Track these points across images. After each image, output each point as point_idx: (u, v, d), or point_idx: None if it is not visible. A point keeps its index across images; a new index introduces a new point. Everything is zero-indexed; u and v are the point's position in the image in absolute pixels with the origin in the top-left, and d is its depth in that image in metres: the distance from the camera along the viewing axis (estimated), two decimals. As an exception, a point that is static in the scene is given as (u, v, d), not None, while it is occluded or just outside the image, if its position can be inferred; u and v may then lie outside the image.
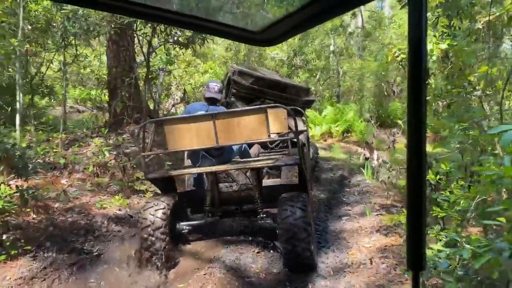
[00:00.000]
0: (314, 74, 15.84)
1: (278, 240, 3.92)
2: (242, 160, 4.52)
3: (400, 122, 13.96)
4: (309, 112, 13.11)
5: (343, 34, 14.83)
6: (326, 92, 16.16)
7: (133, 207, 5.04)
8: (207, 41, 8.76)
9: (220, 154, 4.34)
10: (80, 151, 6.82)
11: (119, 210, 4.93)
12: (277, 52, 15.38)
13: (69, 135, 7.61)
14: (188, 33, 7.85)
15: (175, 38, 8.63)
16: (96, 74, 8.11)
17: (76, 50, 7.43)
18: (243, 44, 14.82)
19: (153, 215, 3.92)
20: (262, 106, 4.00)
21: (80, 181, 5.80)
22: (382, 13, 15.50)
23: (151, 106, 8.51)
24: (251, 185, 4.40)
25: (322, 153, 10.72)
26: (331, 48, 16.33)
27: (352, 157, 10.03)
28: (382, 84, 13.66)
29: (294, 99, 6.72)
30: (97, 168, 5.86)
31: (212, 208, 4.43)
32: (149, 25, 6.46)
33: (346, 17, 15.53)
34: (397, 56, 3.99)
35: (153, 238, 3.88)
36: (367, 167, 7.77)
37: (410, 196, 0.62)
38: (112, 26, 6.87)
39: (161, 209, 3.97)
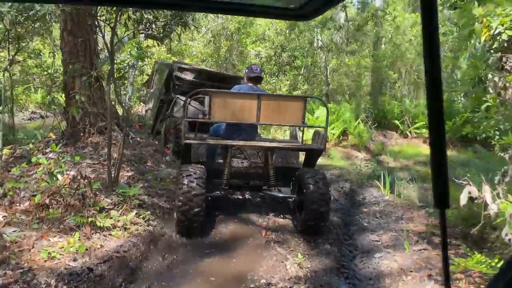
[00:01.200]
0: (301, 72, 14.72)
1: (300, 208, 4.54)
2: (270, 140, 5.38)
3: (397, 122, 13.00)
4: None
5: (333, 27, 13.72)
6: (314, 91, 15.04)
7: (95, 254, 3.68)
8: (185, 32, 7.43)
9: (251, 132, 4.88)
10: (28, 172, 5.39)
11: (74, 260, 3.57)
12: (259, 50, 14.17)
13: (17, 150, 6.13)
14: (163, 22, 6.52)
15: (147, 30, 7.29)
16: (48, 73, 6.64)
17: (18, 44, 5.97)
18: (224, 39, 13.58)
19: (193, 182, 4.10)
20: (303, 96, 5.00)
21: (24, 215, 4.38)
22: (373, 6, 14.49)
23: (120, 112, 7.12)
24: (261, 164, 5.02)
25: (319, 161, 9.55)
26: (318, 43, 15.25)
27: (357, 165, 8.90)
28: (380, 81, 12.62)
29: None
30: (47, 196, 4.46)
31: (227, 180, 4.72)
32: (114, 9, 5.10)
33: (336, 10, 14.48)
34: (497, 34, 2.76)
35: (193, 204, 4.03)
36: (384, 178, 6.61)
37: (433, 136, 0.61)
38: (67, 10, 5.47)
39: (199, 177, 4.17)
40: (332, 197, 4.81)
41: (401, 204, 5.72)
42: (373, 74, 12.74)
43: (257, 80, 5.04)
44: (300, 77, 14.43)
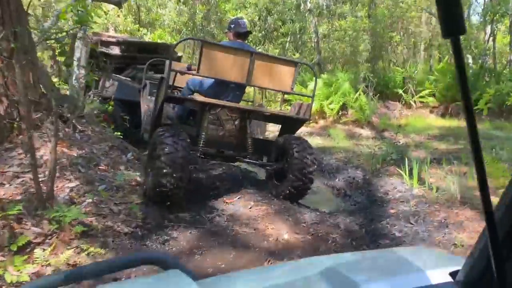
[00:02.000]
0: (289, 39, 13.17)
1: (288, 173, 4.28)
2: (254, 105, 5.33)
3: (401, 91, 11.67)
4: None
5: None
6: (305, 60, 13.53)
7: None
8: None
9: (239, 94, 4.49)
10: None
11: None
12: (241, 16, 12.49)
13: None
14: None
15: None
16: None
17: None
18: (199, 4, 11.90)
19: (177, 142, 3.71)
20: (295, 60, 4.90)
21: None
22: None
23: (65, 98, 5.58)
24: (236, 133, 4.54)
25: (318, 142, 8.23)
26: (307, 5, 13.63)
27: (364, 145, 7.58)
28: (380, 45, 11.18)
29: (165, 58, 6.24)
30: None
31: (203, 148, 4.29)
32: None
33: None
34: None
35: (178, 166, 3.65)
36: (405, 163, 5.29)
37: None
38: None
39: (183, 138, 3.81)
40: (344, 191, 4.65)
41: (437, 201, 4.44)
42: (371, 37, 11.29)
43: (246, 35, 4.51)
44: (288, 44, 12.89)
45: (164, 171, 3.62)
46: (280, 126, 5.02)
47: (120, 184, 4.11)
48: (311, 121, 9.78)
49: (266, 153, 4.73)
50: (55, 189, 3.83)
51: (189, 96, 4.38)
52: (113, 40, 6.72)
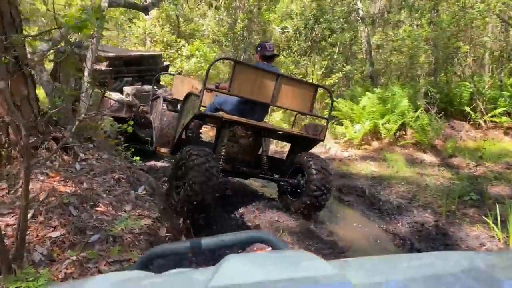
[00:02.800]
0: (338, 50, 12.05)
1: (304, 193, 4.38)
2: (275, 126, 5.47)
3: (468, 109, 10.18)
4: (340, 103, 9.42)
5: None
6: (356, 74, 12.35)
7: None
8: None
9: (262, 113, 4.73)
10: None
11: None
12: (285, 26, 11.59)
13: None
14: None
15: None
16: None
17: None
18: (241, 14, 11.09)
19: (207, 155, 3.93)
20: (316, 83, 5.51)
21: None
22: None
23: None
24: (252, 150, 4.79)
25: (373, 169, 7.03)
26: (359, 13, 12.49)
27: (430, 175, 6.32)
28: (445, 56, 9.79)
29: (153, 69, 6.86)
30: None
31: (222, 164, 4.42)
32: None
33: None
34: None
35: (210, 175, 3.83)
36: (493, 211, 4.01)
37: None
38: None
39: (209, 153, 4.01)
40: (409, 241, 4.25)
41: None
42: (433, 48, 9.94)
43: (272, 58, 4.75)
44: (337, 55, 11.77)
45: (199, 179, 3.79)
46: (290, 145, 5.14)
47: (118, 233, 3.21)
48: (363, 143, 8.59)
49: (278, 171, 4.88)
50: (33, 240, 2.98)
51: (216, 113, 4.44)
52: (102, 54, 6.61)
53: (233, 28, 10.64)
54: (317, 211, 4.56)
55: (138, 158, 5.17)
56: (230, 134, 4.50)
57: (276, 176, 4.83)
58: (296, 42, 10.14)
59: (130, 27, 11.46)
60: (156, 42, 10.82)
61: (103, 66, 6.55)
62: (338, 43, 11.99)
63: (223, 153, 4.39)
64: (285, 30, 10.45)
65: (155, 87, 6.26)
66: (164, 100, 5.55)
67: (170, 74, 7.10)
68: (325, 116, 5.27)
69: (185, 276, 0.70)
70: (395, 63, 12.23)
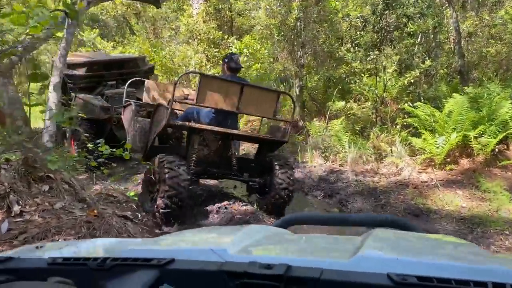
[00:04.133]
0: (417, 41, 9.97)
1: (271, 190, 4.94)
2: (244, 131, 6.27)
3: None
4: (419, 108, 7.49)
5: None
6: (440, 69, 10.15)
7: None
8: None
9: (233, 120, 5.09)
10: None
11: None
12: (347, 14, 9.76)
13: None
14: None
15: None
16: None
17: None
18: (296, 1, 9.50)
19: (178, 167, 4.28)
20: (277, 90, 6.40)
21: None
22: None
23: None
24: (222, 152, 5.16)
25: (459, 202, 5.16)
26: (446, -5, 10.23)
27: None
28: None
29: (135, 72, 7.05)
30: None
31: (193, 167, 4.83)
32: None
33: None
34: None
35: (181, 189, 4.21)
36: None
37: None
38: None
39: (183, 163, 4.40)
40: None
41: None
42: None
43: (238, 71, 5.18)
44: (417, 47, 9.71)
45: (171, 193, 4.17)
46: (258, 146, 5.57)
47: None
48: (448, 162, 6.62)
49: (248, 170, 5.31)
50: None
51: (187, 124, 4.74)
52: (79, 61, 7.06)
53: (285, 20, 9.13)
54: (283, 207, 5.04)
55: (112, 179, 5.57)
56: (200, 139, 4.92)
57: (246, 175, 5.29)
58: (360, 33, 8.34)
59: (172, 24, 10.54)
60: (200, 40, 9.66)
61: (81, 72, 6.83)
62: (420, 31, 9.92)
63: (193, 158, 4.81)
64: (348, 19, 8.68)
65: (134, 90, 6.44)
66: (137, 105, 5.65)
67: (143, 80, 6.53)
68: (288, 119, 5.67)
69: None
70: (493, 55, 9.85)
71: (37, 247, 1.13)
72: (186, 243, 1.21)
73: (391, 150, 7.47)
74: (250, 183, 5.24)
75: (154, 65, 8.46)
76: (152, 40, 11.31)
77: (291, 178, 4.95)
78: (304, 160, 7.67)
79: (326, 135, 8.07)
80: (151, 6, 12.25)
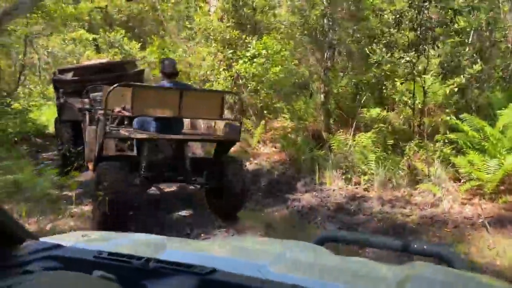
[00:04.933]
0: (470, 39, 8.51)
1: (225, 188, 5.00)
2: (190, 132, 5.74)
3: None
4: (466, 125, 6.17)
5: None
6: (494, 72, 8.61)
7: None
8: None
9: (178, 126, 5.19)
10: None
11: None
12: (380, 8, 8.45)
13: None
14: None
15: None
16: None
17: None
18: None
19: (117, 175, 4.36)
20: (222, 91, 6.27)
21: None
22: None
23: None
24: (176, 155, 5.22)
25: (496, 264, 3.85)
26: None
27: None
28: None
29: (124, 75, 7.08)
30: None
31: (145, 172, 4.95)
32: None
33: None
34: None
35: (118, 199, 4.20)
36: None
37: None
38: None
39: (122, 171, 4.46)
40: None
41: None
42: None
43: (174, 76, 5.23)
44: (467, 48, 8.27)
45: (109, 200, 4.14)
46: (215, 145, 5.57)
47: None
48: (502, 192, 5.27)
49: (204, 170, 5.25)
50: None
51: (128, 133, 4.80)
52: (68, 67, 7.80)
53: (309, 16, 8.00)
54: (236, 211, 5.16)
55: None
56: (150, 145, 4.99)
57: (201, 179, 5.23)
58: (394, 30, 7.04)
59: (189, 22, 9.69)
60: (214, 40, 8.73)
61: (68, 77, 7.13)
62: (470, 28, 8.47)
63: (144, 164, 4.88)
64: (380, 14, 7.39)
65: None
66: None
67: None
68: (238, 119, 5.93)
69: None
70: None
71: (83, 236, 1.25)
72: (227, 252, 1.26)
73: (428, 172, 6.18)
74: (205, 186, 5.33)
75: (144, 69, 8.39)
76: (170, 41, 10.54)
77: (243, 183, 5.04)
78: (323, 181, 6.52)
79: (350, 151, 6.88)
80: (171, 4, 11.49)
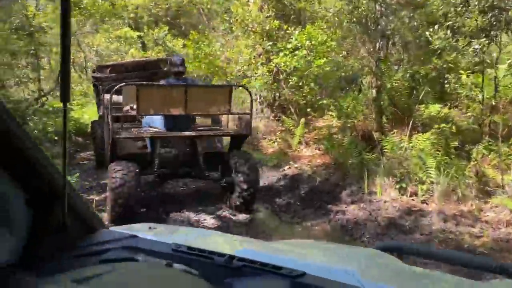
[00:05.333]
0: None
1: (236, 182, 5.01)
2: (201, 129, 5.54)
3: None
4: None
5: None
6: None
7: None
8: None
9: (185, 122, 5.16)
10: None
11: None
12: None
13: None
14: None
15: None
16: None
17: None
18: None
19: (125, 175, 4.42)
20: (230, 84, 6.17)
21: None
22: None
23: None
24: (189, 151, 5.43)
25: None
26: None
27: None
28: None
29: (157, 73, 7.21)
30: None
31: (158, 170, 5.17)
32: None
33: None
34: None
35: (127, 197, 4.36)
36: None
37: None
38: None
39: (130, 171, 4.49)
40: None
41: None
42: None
43: (179, 74, 5.21)
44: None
45: (118, 208, 4.37)
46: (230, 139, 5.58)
47: None
48: None
49: (219, 164, 5.40)
50: None
51: (136, 132, 5.00)
52: (107, 64, 7.85)
53: (358, 2, 7.09)
54: (249, 206, 5.15)
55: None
56: (161, 144, 5.22)
57: (216, 173, 5.44)
58: (459, 13, 5.98)
59: (227, 15, 9.08)
60: (252, 31, 8.06)
61: (106, 73, 7.24)
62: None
63: (156, 162, 5.13)
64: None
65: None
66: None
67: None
68: (248, 112, 5.65)
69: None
70: None
71: (150, 228, 1.26)
72: (314, 257, 1.22)
73: (502, 181, 5.16)
74: (219, 182, 5.36)
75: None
76: (208, 35, 9.99)
77: (253, 178, 5.00)
78: (372, 190, 5.65)
79: (406, 155, 5.95)
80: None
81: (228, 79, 8.37)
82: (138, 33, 17.19)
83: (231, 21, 8.90)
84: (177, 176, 5.49)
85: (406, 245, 1.32)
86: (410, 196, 5.32)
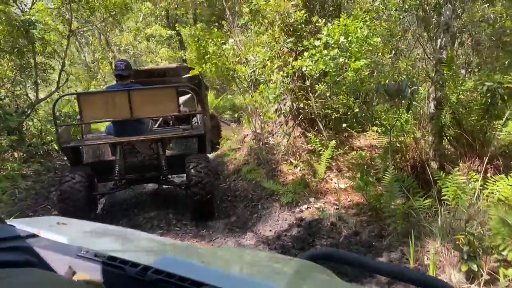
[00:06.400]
0: None
1: (188, 188, 4.94)
2: (153, 131, 5.51)
3: None
4: None
5: None
6: None
7: None
8: None
9: (139, 126, 5.16)
10: None
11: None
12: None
13: None
14: None
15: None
16: None
17: None
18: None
19: (71, 187, 4.45)
20: (173, 85, 5.49)
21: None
22: None
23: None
24: (155, 155, 5.33)
25: None
26: None
27: None
28: None
29: (177, 80, 7.48)
30: None
31: (120, 176, 5.14)
32: None
33: None
34: None
35: (73, 209, 4.35)
36: None
37: None
38: None
39: (78, 181, 4.53)
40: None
41: None
42: None
43: (120, 78, 5.20)
44: None
45: (66, 209, 4.41)
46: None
47: None
48: None
49: (182, 167, 5.19)
50: None
51: (71, 144, 4.98)
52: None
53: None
54: (204, 213, 5.04)
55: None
56: (121, 150, 5.14)
57: (176, 178, 5.71)
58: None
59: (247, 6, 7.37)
60: (270, 24, 6.27)
61: None
62: None
63: (116, 167, 5.06)
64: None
65: None
66: None
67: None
68: (197, 111, 5.95)
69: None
70: None
71: (58, 223, 1.12)
72: (242, 267, 1.13)
73: None
74: (181, 187, 5.48)
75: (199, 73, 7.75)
76: (227, 30, 8.33)
77: (204, 170, 4.84)
78: (423, 261, 3.67)
79: (478, 208, 3.88)
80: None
81: (239, 86, 6.65)
82: (169, 32, 15.95)
83: (248, 14, 7.15)
84: (143, 181, 5.53)
85: (336, 252, 1.07)
86: (485, 285, 3.27)
